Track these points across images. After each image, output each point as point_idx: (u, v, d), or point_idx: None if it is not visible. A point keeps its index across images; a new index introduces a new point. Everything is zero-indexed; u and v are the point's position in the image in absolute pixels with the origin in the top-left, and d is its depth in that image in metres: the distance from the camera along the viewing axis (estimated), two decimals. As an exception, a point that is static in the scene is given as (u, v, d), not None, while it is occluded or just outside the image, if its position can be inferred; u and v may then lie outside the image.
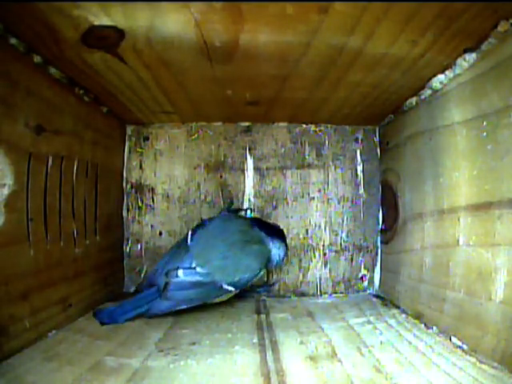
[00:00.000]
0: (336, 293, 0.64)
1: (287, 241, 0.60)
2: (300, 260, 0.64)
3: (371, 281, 0.64)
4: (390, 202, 0.60)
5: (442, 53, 0.37)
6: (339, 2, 0.29)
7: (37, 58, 0.38)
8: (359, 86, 0.47)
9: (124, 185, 0.64)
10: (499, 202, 0.34)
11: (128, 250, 0.64)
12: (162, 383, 0.30)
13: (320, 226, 0.65)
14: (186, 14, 0.30)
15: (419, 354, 0.35)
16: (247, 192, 0.65)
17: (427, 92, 0.46)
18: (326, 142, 0.65)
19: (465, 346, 0.37)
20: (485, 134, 0.35)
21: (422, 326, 0.44)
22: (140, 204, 0.64)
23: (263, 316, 0.50)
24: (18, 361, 0.33)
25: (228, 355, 0.36)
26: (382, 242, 0.64)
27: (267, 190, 0.65)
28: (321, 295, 0.63)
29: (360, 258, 0.64)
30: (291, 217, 0.64)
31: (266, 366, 0.33)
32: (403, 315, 0.49)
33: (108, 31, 0.33)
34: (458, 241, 0.40)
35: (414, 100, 0.50)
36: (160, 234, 0.64)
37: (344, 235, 0.65)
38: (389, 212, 0.61)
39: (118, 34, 0.33)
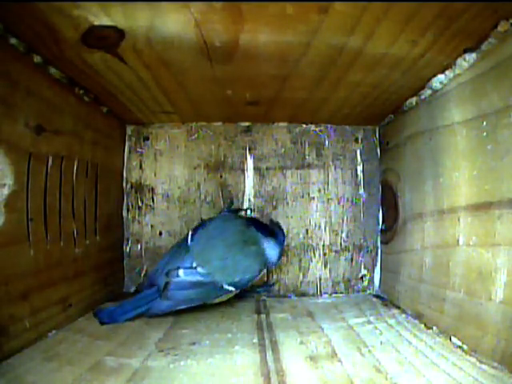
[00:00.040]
0: (336, 293, 0.64)
1: (287, 240, 0.60)
2: (300, 260, 0.64)
3: (371, 281, 0.64)
4: (390, 202, 0.60)
5: (442, 53, 0.37)
6: (339, 1, 0.29)
7: (37, 58, 0.38)
8: (359, 86, 0.47)
9: (124, 185, 0.64)
10: (499, 202, 0.34)
11: (128, 250, 0.64)
12: (162, 383, 0.30)
13: (320, 226, 0.65)
14: (186, 14, 0.30)
15: (419, 354, 0.35)
16: (247, 192, 0.65)
17: (427, 92, 0.46)
18: (326, 142, 0.65)
19: (465, 346, 0.37)
20: (485, 133, 0.35)
21: (422, 326, 0.44)
22: (140, 204, 0.64)
23: (263, 316, 0.50)
24: (18, 361, 0.33)
25: (228, 355, 0.36)
26: (382, 242, 0.64)
27: (267, 189, 0.65)
28: (321, 295, 0.63)
29: (360, 258, 0.64)
30: (291, 217, 0.64)
31: (266, 366, 0.33)
32: (403, 315, 0.49)
33: (108, 31, 0.33)
34: (457, 241, 0.40)
35: (413, 100, 0.50)
36: (160, 234, 0.64)
37: (344, 235, 0.65)
38: (389, 212, 0.61)
39: (118, 34, 0.33)
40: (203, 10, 0.30)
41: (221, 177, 0.65)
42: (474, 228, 0.37)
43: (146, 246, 0.64)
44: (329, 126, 0.65)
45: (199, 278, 0.48)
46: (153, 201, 0.64)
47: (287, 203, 0.65)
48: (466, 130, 0.38)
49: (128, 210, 0.64)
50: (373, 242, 0.65)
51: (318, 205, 0.65)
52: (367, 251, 0.65)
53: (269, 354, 0.36)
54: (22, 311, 0.36)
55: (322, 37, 0.34)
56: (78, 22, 0.32)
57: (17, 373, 0.31)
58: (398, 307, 0.53)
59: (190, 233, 0.53)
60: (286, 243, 0.60)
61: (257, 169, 0.65)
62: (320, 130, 0.65)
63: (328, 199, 0.65)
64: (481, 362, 0.33)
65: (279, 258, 0.56)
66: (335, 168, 0.65)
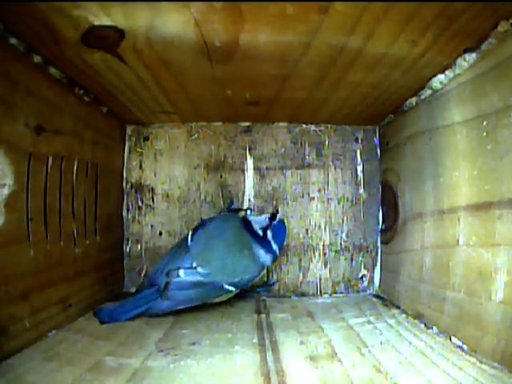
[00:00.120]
0: (336, 293, 0.64)
1: (287, 240, 0.59)
2: (300, 260, 0.64)
3: (371, 281, 0.64)
4: (390, 201, 0.60)
5: (442, 53, 0.37)
6: (339, 1, 0.29)
7: (37, 58, 0.38)
8: (359, 86, 0.47)
9: (124, 185, 0.64)
10: (499, 202, 0.34)
11: (128, 250, 0.64)
12: (162, 383, 0.30)
13: (320, 226, 0.65)
14: (186, 14, 0.30)
15: (419, 354, 0.35)
16: (247, 192, 0.65)
17: (427, 92, 0.46)
18: (326, 142, 0.65)
19: (465, 346, 0.37)
20: (485, 133, 0.35)
21: (422, 326, 0.44)
22: (140, 204, 0.64)
23: (263, 316, 0.50)
24: (18, 361, 0.33)
25: (228, 355, 0.36)
26: (382, 242, 0.64)
27: (267, 189, 0.65)
28: (321, 295, 0.63)
29: (360, 258, 0.64)
30: (291, 217, 0.64)
31: (266, 366, 0.33)
32: (403, 315, 0.49)
33: (108, 31, 0.33)
34: (457, 241, 0.40)
35: (413, 100, 0.50)
36: (160, 234, 0.64)
37: (344, 235, 0.65)
38: (389, 212, 0.61)
39: (118, 34, 0.33)
40: (203, 10, 0.30)
41: (221, 177, 0.65)
42: (474, 228, 0.37)
43: (146, 246, 0.64)
44: (329, 125, 0.65)
45: (199, 278, 0.48)
46: (153, 201, 0.64)
47: (287, 203, 0.65)
48: (466, 130, 0.38)
49: (128, 210, 0.64)
50: (373, 242, 0.65)
51: (318, 205, 0.65)
52: (367, 251, 0.65)
53: (269, 354, 0.36)
54: (22, 311, 0.36)
55: (322, 37, 0.34)
56: (78, 22, 0.32)
57: (17, 373, 0.31)
58: (398, 307, 0.53)
59: (190, 233, 0.53)
60: (286, 243, 0.60)
61: (257, 169, 0.65)
62: (320, 130, 0.65)
63: (328, 199, 0.65)
64: (481, 362, 0.33)
65: (273, 261, 0.55)
66: (335, 168, 0.65)
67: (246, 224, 0.54)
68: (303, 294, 0.63)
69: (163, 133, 0.65)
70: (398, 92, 0.48)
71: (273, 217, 0.55)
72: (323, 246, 0.64)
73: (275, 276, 0.64)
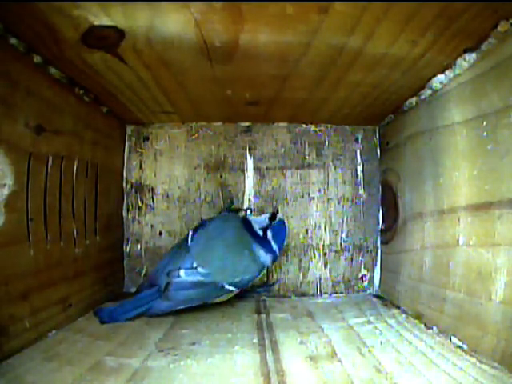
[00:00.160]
0: (336, 293, 0.64)
1: (288, 240, 0.59)
2: (300, 260, 0.64)
3: (371, 281, 0.64)
4: (390, 201, 0.60)
5: (442, 53, 0.37)
6: (339, 1, 0.29)
7: (37, 58, 0.38)
8: (359, 86, 0.47)
9: (124, 185, 0.64)
10: (499, 201, 0.34)
11: (128, 250, 0.64)
12: (162, 383, 0.30)
13: (320, 226, 0.65)
14: (186, 14, 0.30)
15: (419, 354, 0.35)
16: (247, 192, 0.65)
17: (427, 92, 0.46)
18: (326, 142, 0.65)
19: (465, 346, 0.37)
20: (485, 134, 0.35)
21: (422, 326, 0.44)
22: (140, 204, 0.64)
23: (263, 316, 0.50)
24: (18, 361, 0.33)
25: (228, 355, 0.36)
26: (382, 242, 0.64)
27: (267, 189, 0.65)
28: (321, 295, 0.63)
29: (360, 258, 0.64)
30: (291, 217, 0.64)
31: (266, 366, 0.33)
32: (403, 315, 0.49)
33: (108, 31, 0.33)
34: (457, 241, 0.40)
35: (413, 100, 0.50)
36: (160, 234, 0.64)
37: (344, 235, 0.65)
38: (389, 212, 0.61)
39: (118, 34, 0.33)
40: (203, 10, 0.30)
41: (221, 177, 0.65)
42: (474, 228, 0.37)
43: (146, 246, 0.64)
44: (329, 126, 0.65)
45: (200, 278, 0.48)
46: (153, 201, 0.64)
47: (287, 203, 0.65)
48: (466, 130, 0.38)
49: (128, 210, 0.64)
50: (373, 242, 0.65)
51: (318, 205, 0.65)
52: (367, 251, 0.65)
53: (269, 354, 0.36)
54: (22, 311, 0.36)
55: (322, 37, 0.34)
56: (78, 22, 0.32)
57: (17, 373, 0.31)
58: (398, 307, 0.53)
59: (190, 233, 0.53)
60: (286, 243, 0.60)
61: (257, 169, 0.65)
62: (320, 130, 0.65)
63: (328, 199, 0.65)
64: (481, 362, 0.33)
65: (273, 261, 0.55)
66: (335, 168, 0.65)
67: (246, 224, 0.54)
68: (303, 294, 0.63)
69: (163, 133, 0.65)
70: (397, 92, 0.48)
71: (273, 217, 0.55)
72: (323, 245, 0.64)
73: (275, 276, 0.64)
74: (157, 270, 0.51)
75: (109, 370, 0.32)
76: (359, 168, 0.65)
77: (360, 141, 0.66)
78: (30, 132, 0.38)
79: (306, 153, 0.65)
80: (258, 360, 0.35)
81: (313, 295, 0.63)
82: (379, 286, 0.63)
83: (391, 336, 0.41)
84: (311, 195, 0.65)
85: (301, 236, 0.64)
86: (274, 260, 0.55)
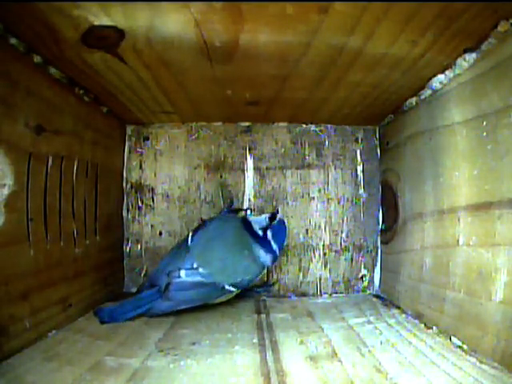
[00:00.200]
0: (336, 293, 0.63)
1: (288, 240, 0.59)
2: (300, 260, 0.64)
3: (371, 281, 0.64)
4: (390, 201, 0.60)
5: (442, 53, 0.37)
6: (339, 1, 0.29)
7: (37, 58, 0.38)
8: (359, 86, 0.47)
9: (124, 185, 0.64)
10: (499, 202, 0.34)
11: (128, 250, 0.64)
12: (162, 383, 0.30)
13: (320, 226, 0.65)
14: (186, 14, 0.30)
15: (419, 354, 0.35)
16: (247, 192, 0.65)
17: (427, 92, 0.46)
18: (326, 142, 0.65)
19: (465, 346, 0.37)
20: (485, 134, 0.35)
21: (422, 326, 0.44)
22: (140, 204, 0.64)
23: (263, 316, 0.50)
24: (18, 361, 0.33)
25: (228, 355, 0.36)
26: (382, 242, 0.64)
27: (267, 189, 0.65)
28: (321, 295, 0.63)
29: (360, 258, 0.64)
30: (291, 217, 0.64)
31: (266, 366, 0.33)
32: (403, 315, 0.49)
33: (108, 31, 0.33)
34: (458, 241, 0.40)
35: (413, 100, 0.50)
36: (160, 234, 0.64)
37: (344, 235, 0.65)
38: (389, 212, 0.61)
39: (118, 34, 0.33)
40: (203, 10, 0.30)
41: (221, 177, 0.65)
42: (474, 228, 0.37)
43: (146, 246, 0.64)
44: (329, 126, 0.65)
45: (200, 279, 0.48)
46: (153, 201, 0.64)
47: (287, 203, 0.65)
48: (466, 130, 0.38)
49: (128, 210, 0.64)
50: (373, 242, 0.65)
51: (318, 205, 0.65)
52: (367, 251, 0.65)
53: (269, 353, 0.36)
54: (22, 311, 0.36)
55: (322, 37, 0.34)
56: (78, 22, 0.32)
57: (17, 373, 0.31)
58: (398, 307, 0.53)
59: (191, 233, 0.53)
60: (286, 243, 0.60)
61: (257, 169, 0.65)
62: (320, 130, 0.65)
63: (328, 199, 0.65)
64: (481, 362, 0.33)
65: (273, 261, 0.55)
66: (335, 168, 0.65)
67: (246, 224, 0.54)
68: (303, 294, 0.63)
69: (163, 133, 0.65)
70: (398, 92, 0.48)
71: (273, 217, 0.55)
72: (323, 245, 0.64)
73: (275, 276, 0.64)
74: (157, 271, 0.51)
75: (109, 369, 0.32)
76: (359, 168, 0.65)
77: (360, 141, 0.66)
78: (30, 132, 0.38)
79: (306, 153, 0.65)
80: (258, 360, 0.35)
81: (313, 295, 0.63)
82: (379, 286, 0.63)
83: (391, 336, 0.41)
84: (311, 195, 0.65)
85: (301, 236, 0.64)
86: (275, 260, 0.55)
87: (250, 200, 0.65)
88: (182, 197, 0.64)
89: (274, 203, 0.65)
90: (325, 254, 0.64)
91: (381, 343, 0.38)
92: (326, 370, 0.32)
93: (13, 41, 0.35)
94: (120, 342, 0.39)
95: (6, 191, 0.34)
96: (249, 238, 0.53)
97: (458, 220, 0.40)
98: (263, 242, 0.53)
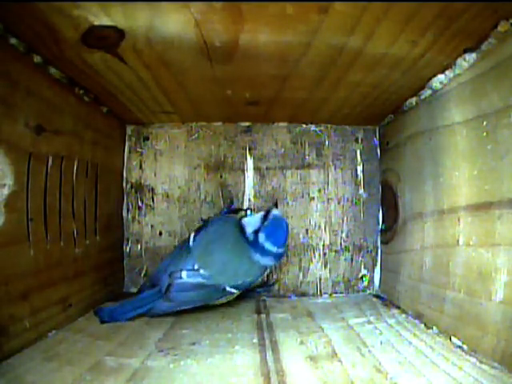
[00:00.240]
0: (336, 293, 0.63)
1: (288, 240, 0.59)
2: (300, 260, 0.64)
3: (371, 281, 0.64)
4: (390, 201, 0.60)
5: (442, 53, 0.37)
6: (339, 1, 0.29)
7: (37, 58, 0.38)
8: (359, 86, 0.47)
9: (124, 185, 0.64)
10: (499, 202, 0.34)
11: (128, 250, 0.64)
12: (162, 383, 0.30)
13: (320, 226, 0.65)
14: (186, 14, 0.30)
15: (419, 354, 0.35)
16: (247, 192, 0.65)
17: (427, 92, 0.46)
18: (326, 142, 0.65)
19: (465, 346, 0.37)
20: (485, 134, 0.35)
21: (422, 325, 0.44)
22: (140, 204, 0.64)
23: (263, 316, 0.50)
24: (18, 361, 0.33)
25: (228, 355, 0.36)
26: (382, 242, 0.64)
27: (267, 190, 0.65)
28: (321, 295, 0.63)
29: (360, 258, 0.64)
30: (291, 217, 0.64)
31: (266, 366, 0.33)
32: (403, 315, 0.49)
33: (108, 31, 0.33)
34: (458, 241, 0.40)
35: (413, 100, 0.50)
36: (160, 234, 0.64)
37: (344, 235, 0.65)
38: (389, 212, 0.61)
39: (118, 34, 0.33)
40: (203, 10, 0.30)
41: (221, 177, 0.65)
42: (474, 228, 0.37)
43: (146, 246, 0.64)
44: (329, 126, 0.65)
45: (201, 280, 0.48)
46: (153, 201, 0.64)
47: (287, 203, 0.65)
48: (466, 130, 0.38)
49: (128, 210, 0.64)
50: (373, 242, 0.65)
51: (318, 205, 0.65)
52: (367, 251, 0.65)
53: (269, 353, 0.36)
54: (22, 311, 0.36)
55: (322, 37, 0.34)
56: (78, 22, 0.32)
57: (17, 373, 0.31)
58: (398, 307, 0.53)
59: (192, 234, 0.53)
60: (286, 243, 0.59)
61: (257, 169, 0.65)
62: (320, 130, 0.65)
63: (328, 199, 0.65)
64: (481, 362, 0.33)
65: (278, 260, 0.54)
66: (335, 168, 0.65)
67: (240, 228, 0.52)
68: (303, 294, 0.63)
69: (163, 133, 0.65)
70: (398, 92, 0.48)
71: (267, 214, 0.52)
72: (323, 245, 0.64)
73: (275, 276, 0.64)
74: (158, 271, 0.51)
75: (109, 370, 0.32)
76: (359, 168, 0.65)
77: (360, 141, 0.66)
78: (30, 132, 0.38)
79: (306, 153, 0.65)
80: (258, 360, 0.35)
81: (313, 295, 0.63)
82: (379, 286, 0.63)
83: (391, 336, 0.41)
84: (311, 195, 0.65)
85: (301, 236, 0.64)
86: (279, 258, 0.53)
87: (250, 200, 0.65)
88: (181, 197, 0.64)
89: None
90: (325, 254, 0.64)
91: (381, 343, 0.38)
92: (325, 370, 0.32)
93: (13, 41, 0.35)
94: (120, 341, 0.39)
95: (5, 191, 0.34)
96: (244, 243, 0.51)
97: (458, 220, 0.40)
98: (255, 245, 0.50)
